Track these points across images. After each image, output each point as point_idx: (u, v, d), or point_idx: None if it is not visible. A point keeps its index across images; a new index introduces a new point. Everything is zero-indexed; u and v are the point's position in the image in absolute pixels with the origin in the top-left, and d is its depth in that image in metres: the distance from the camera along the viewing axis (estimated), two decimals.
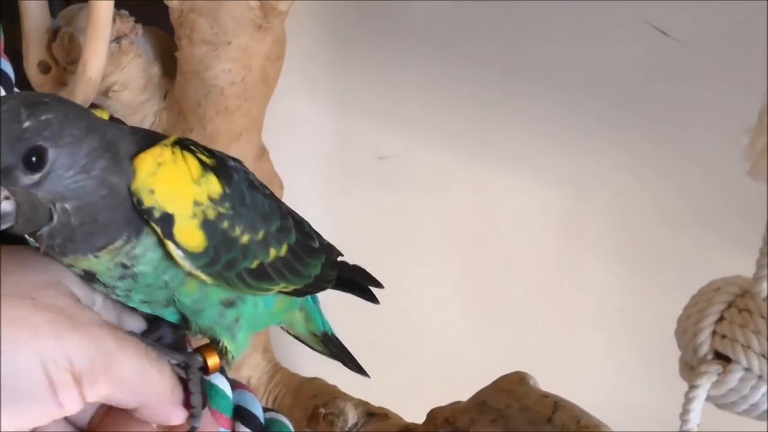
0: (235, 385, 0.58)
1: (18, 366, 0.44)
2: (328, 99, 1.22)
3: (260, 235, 0.53)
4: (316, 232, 0.60)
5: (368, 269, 0.67)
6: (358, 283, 0.65)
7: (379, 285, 0.66)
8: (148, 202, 0.48)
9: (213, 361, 0.53)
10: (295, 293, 0.58)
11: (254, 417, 0.57)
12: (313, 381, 0.97)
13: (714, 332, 0.55)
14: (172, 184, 0.48)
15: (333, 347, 0.66)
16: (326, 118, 1.23)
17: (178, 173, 0.49)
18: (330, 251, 0.61)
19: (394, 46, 1.18)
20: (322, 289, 0.60)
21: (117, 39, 0.81)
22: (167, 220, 0.48)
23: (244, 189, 0.52)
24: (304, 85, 1.20)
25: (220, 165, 0.51)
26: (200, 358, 0.53)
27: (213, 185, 0.50)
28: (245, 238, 0.52)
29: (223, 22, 0.80)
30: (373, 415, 0.86)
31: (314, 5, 1.14)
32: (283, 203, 0.58)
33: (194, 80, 0.82)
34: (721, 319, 0.55)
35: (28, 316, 0.45)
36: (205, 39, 0.80)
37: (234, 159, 0.54)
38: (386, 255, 1.23)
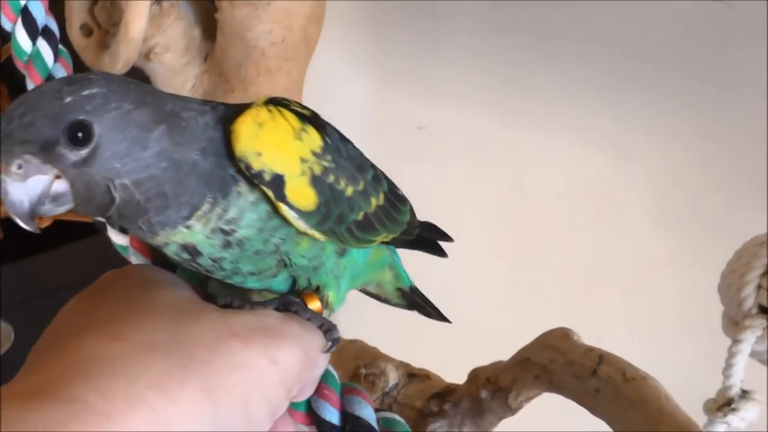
0: (345, 390, 0.55)
1: (251, 415, 0.42)
2: (366, 67, 1.22)
3: (361, 185, 0.51)
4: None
5: None
6: (427, 238, 0.62)
7: (448, 238, 0.63)
8: (256, 165, 0.46)
9: (315, 306, 0.51)
10: (393, 242, 0.56)
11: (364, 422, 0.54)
12: (354, 343, 0.97)
13: (759, 286, 0.54)
14: (276, 143, 0.46)
15: (417, 298, 0.64)
16: (365, 87, 1.23)
17: (280, 131, 0.47)
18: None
19: (432, 14, 1.17)
20: (412, 235, 0.58)
21: (158, 1, 0.82)
22: (278, 181, 0.46)
23: (337, 140, 0.50)
24: (343, 54, 1.19)
25: (315, 116, 0.50)
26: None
27: (314, 138, 0.48)
28: (350, 190, 0.50)
29: None
30: (414, 375, 0.86)
31: None
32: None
33: (235, 42, 0.82)
34: (766, 273, 0.54)
35: (244, 357, 0.43)
36: (245, 0, 0.80)
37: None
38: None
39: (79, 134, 0.43)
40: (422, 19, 1.18)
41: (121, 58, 0.78)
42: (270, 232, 0.47)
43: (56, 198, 0.44)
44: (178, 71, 0.85)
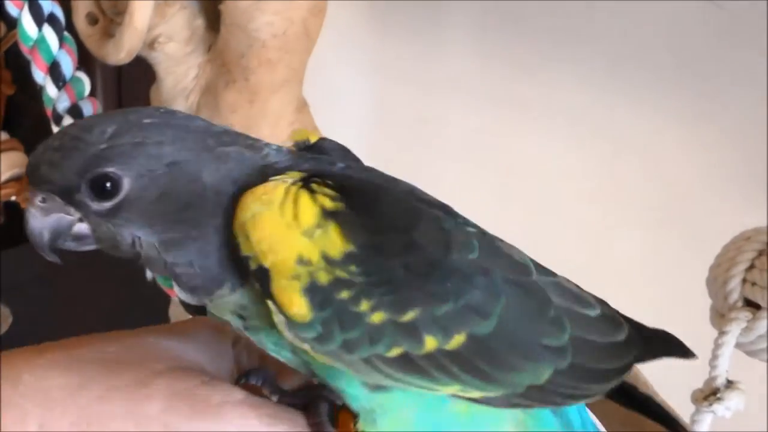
0: None
1: None
2: (367, 60, 1.23)
3: (408, 315, 0.38)
4: (589, 299, 0.43)
5: None
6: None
7: (690, 354, 0.47)
8: (244, 249, 0.39)
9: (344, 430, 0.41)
10: (494, 402, 0.40)
11: None
12: None
13: (744, 280, 0.56)
14: (272, 231, 0.38)
15: None
16: (366, 79, 1.24)
17: (282, 219, 0.38)
18: (584, 348, 0.41)
19: (434, 9, 1.18)
20: (557, 404, 0.41)
21: None
22: (263, 275, 0.38)
23: (400, 243, 0.38)
24: (344, 47, 1.20)
25: (357, 207, 0.38)
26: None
27: (332, 240, 0.37)
28: (377, 317, 0.38)
29: None
30: None
31: None
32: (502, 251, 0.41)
33: (237, 32, 0.83)
34: (751, 267, 0.56)
35: (139, 408, 0.40)
36: None
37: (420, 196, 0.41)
38: None
39: (107, 185, 0.40)
40: (424, 12, 1.19)
41: (125, 47, 0.79)
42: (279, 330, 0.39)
43: (78, 238, 0.42)
44: (180, 61, 0.86)
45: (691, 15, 1.03)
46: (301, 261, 0.37)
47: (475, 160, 1.22)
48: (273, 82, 0.84)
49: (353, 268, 0.37)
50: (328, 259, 0.37)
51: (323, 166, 0.42)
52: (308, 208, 0.38)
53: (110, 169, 0.40)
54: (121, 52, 0.79)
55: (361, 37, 1.21)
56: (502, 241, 0.42)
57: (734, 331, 0.54)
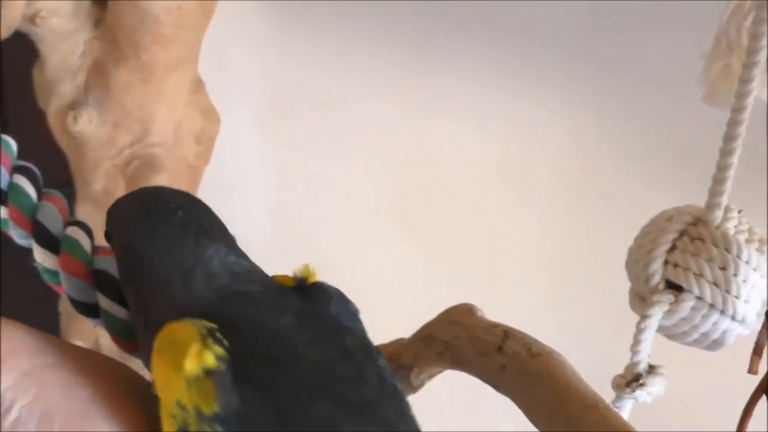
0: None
1: None
2: (265, 39, 1.19)
3: None
4: None
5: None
6: None
7: None
8: (150, 375, 0.39)
9: None
10: None
11: None
12: None
13: (666, 261, 0.54)
14: (165, 370, 0.38)
15: None
16: (264, 59, 1.20)
17: (174, 362, 0.38)
18: None
19: None
20: None
21: None
22: (158, 399, 0.39)
23: (270, 420, 0.37)
24: (242, 24, 1.16)
25: (243, 373, 0.38)
26: None
27: (205, 397, 0.37)
28: None
29: None
30: None
31: None
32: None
33: (128, 7, 0.78)
34: (673, 248, 0.54)
35: None
36: None
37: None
38: (326, 201, 1.21)
39: None
40: None
41: (2, 21, 0.74)
42: None
43: None
44: (66, 37, 0.81)
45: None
46: (179, 405, 0.37)
47: (377, 144, 1.20)
48: (168, 60, 0.80)
49: (219, 428, 0.37)
50: (200, 413, 0.37)
51: (264, 314, 0.40)
52: (195, 358, 0.38)
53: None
54: None
55: (258, 14, 1.17)
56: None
57: (657, 314, 0.53)
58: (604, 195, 1.10)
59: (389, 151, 1.20)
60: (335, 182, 1.21)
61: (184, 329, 0.38)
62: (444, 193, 1.19)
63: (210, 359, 0.37)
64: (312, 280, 0.43)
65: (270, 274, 0.43)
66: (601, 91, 1.08)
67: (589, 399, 0.44)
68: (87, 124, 0.82)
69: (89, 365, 0.41)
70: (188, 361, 0.37)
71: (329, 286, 0.43)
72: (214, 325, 0.39)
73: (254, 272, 0.42)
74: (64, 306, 0.95)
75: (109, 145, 0.83)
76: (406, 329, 0.72)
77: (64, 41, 0.81)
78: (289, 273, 0.43)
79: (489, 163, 1.16)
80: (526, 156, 1.14)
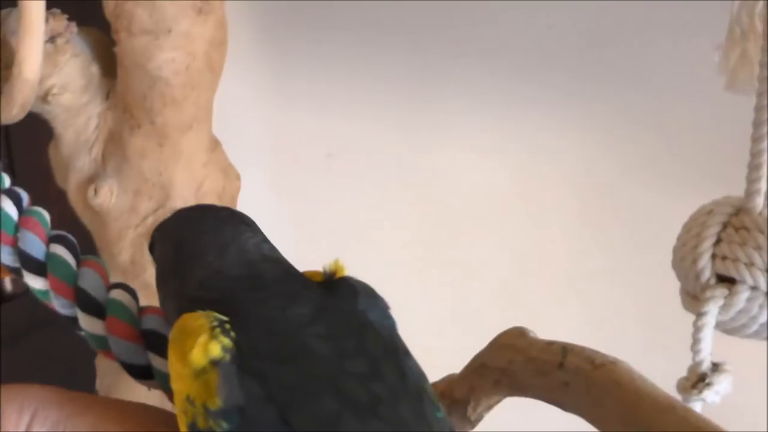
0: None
1: None
2: (272, 93, 1.20)
3: None
4: None
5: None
6: None
7: None
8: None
9: None
10: None
11: None
12: None
13: (714, 255, 0.53)
14: (176, 361, 0.38)
15: None
16: (272, 113, 1.21)
17: (183, 353, 0.37)
18: None
19: (329, 39, 1.16)
20: None
21: (51, 39, 0.78)
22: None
23: (270, 419, 0.36)
24: (248, 80, 1.17)
25: (242, 360, 0.37)
26: None
27: (209, 390, 0.36)
28: None
29: (162, 9, 0.77)
30: None
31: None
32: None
33: (137, 73, 0.78)
34: (718, 241, 0.53)
35: None
36: (144, 29, 0.77)
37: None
38: (348, 250, 1.20)
39: None
40: (318, 46, 1.17)
41: (17, 102, 0.74)
42: None
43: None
44: (78, 111, 0.81)
45: (600, 12, 1.03)
46: (188, 400, 0.37)
47: (388, 187, 1.20)
48: (181, 121, 0.80)
49: (224, 424, 0.36)
50: (206, 408, 0.36)
51: (280, 305, 0.39)
52: (201, 349, 0.37)
53: None
54: (13, 107, 0.74)
55: (263, 68, 1.18)
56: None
57: (713, 310, 0.52)
58: (624, 208, 1.10)
59: (405, 192, 1.20)
60: (352, 232, 1.21)
61: (196, 320, 0.38)
62: (464, 227, 1.19)
63: (216, 350, 0.37)
64: (340, 274, 0.42)
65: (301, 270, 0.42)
66: (608, 106, 1.08)
67: (664, 402, 0.43)
68: (108, 195, 0.82)
69: (117, 410, 0.40)
70: (195, 352, 0.37)
71: (357, 281, 0.42)
72: (224, 318, 0.38)
73: (283, 262, 0.42)
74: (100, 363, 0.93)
75: (132, 214, 0.83)
76: (442, 366, 0.71)
77: (78, 115, 0.81)
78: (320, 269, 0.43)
79: (506, 191, 1.16)
80: (542, 178, 1.14)
